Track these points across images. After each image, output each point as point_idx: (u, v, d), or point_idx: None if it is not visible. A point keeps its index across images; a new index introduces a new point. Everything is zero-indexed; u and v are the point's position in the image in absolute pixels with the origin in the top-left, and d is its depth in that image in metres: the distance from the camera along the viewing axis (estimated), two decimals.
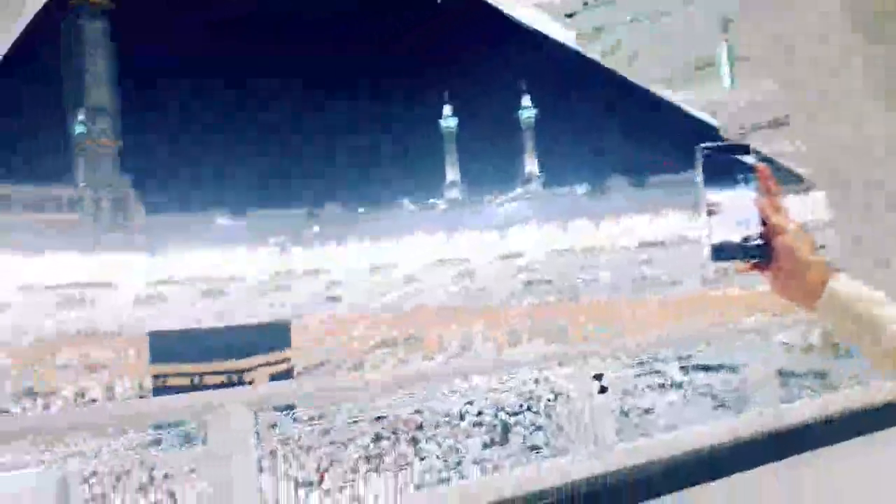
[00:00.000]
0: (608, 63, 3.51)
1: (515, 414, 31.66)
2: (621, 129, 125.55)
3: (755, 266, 1.15)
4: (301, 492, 21.28)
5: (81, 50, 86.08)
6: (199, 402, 2.42)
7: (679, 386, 35.16)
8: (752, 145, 1.18)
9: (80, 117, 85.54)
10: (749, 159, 1.14)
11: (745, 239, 1.12)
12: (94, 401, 44.17)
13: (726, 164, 1.14)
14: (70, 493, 1.56)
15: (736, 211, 1.12)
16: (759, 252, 1.13)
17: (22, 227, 67.56)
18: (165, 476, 23.44)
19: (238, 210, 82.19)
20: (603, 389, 2.95)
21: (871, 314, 1.10)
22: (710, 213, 1.12)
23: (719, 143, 1.16)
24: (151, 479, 23.21)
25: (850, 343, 1.12)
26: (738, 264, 1.15)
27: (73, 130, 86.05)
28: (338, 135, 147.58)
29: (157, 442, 28.16)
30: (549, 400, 32.66)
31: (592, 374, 2.95)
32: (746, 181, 1.13)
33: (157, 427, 26.95)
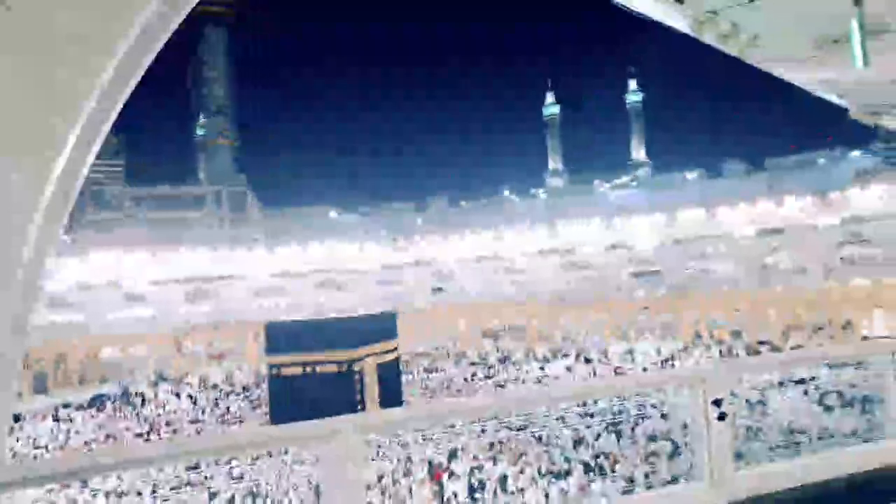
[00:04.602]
0: (726, 47, 3.28)
1: (628, 429, 30.41)
2: (736, 111, 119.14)
3: None
4: None
5: (204, 58, 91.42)
6: (314, 430, 2.51)
7: (800, 382, 32.80)
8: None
9: (203, 119, 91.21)
10: None
11: None
12: (215, 386, 47.11)
13: None
14: None
15: None
16: None
17: (153, 224, 72.87)
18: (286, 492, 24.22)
19: (348, 205, 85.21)
20: (722, 416, 2.75)
21: None
22: None
23: None
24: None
25: None
26: None
27: (196, 132, 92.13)
28: (441, 129, 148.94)
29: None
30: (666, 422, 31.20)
31: (711, 399, 2.76)
32: None
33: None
